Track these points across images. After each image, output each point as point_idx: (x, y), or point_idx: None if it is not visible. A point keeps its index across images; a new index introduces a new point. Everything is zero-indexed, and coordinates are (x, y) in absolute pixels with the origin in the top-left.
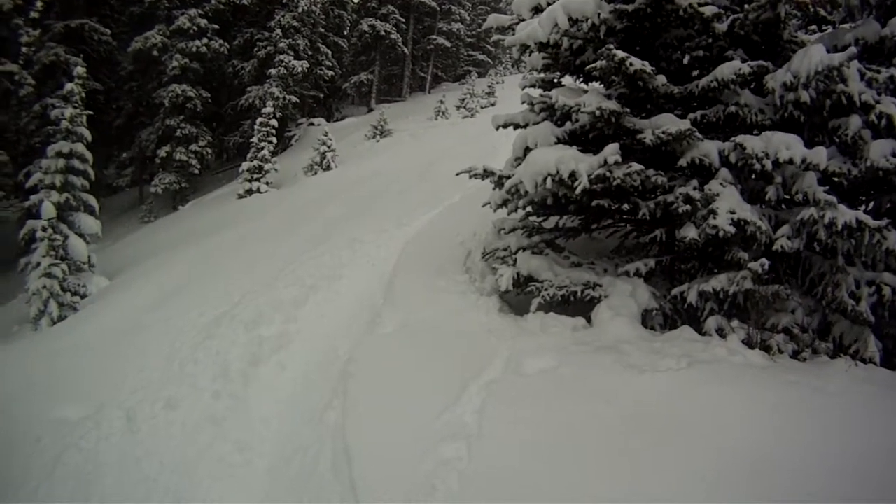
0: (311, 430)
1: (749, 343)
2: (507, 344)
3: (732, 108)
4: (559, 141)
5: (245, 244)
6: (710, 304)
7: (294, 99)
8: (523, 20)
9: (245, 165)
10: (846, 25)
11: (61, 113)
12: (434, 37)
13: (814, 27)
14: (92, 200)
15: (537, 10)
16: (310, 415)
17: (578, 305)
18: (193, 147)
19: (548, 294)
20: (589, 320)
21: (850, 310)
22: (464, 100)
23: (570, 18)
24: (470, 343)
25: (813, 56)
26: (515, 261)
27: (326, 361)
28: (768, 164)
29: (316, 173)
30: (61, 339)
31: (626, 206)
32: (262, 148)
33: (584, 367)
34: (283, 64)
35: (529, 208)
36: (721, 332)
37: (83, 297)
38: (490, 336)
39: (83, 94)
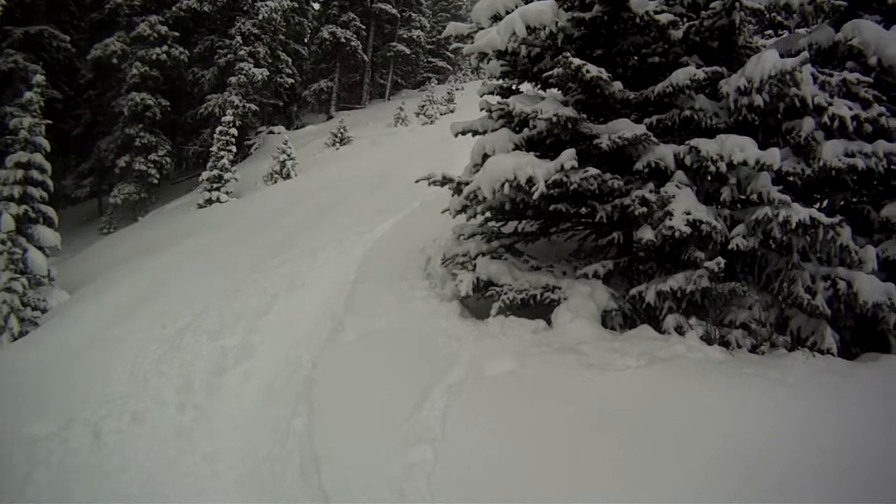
0: (277, 439)
1: (708, 339)
2: (469, 348)
3: (687, 113)
4: (517, 147)
5: (206, 255)
6: (669, 302)
7: (254, 107)
8: (482, 28)
9: (205, 175)
10: (801, 30)
11: (20, 122)
12: (394, 44)
13: (770, 32)
14: (51, 212)
15: (496, 18)
16: (276, 423)
17: (538, 308)
18: (153, 157)
19: (508, 298)
20: (549, 322)
21: (807, 304)
22: (423, 106)
23: (528, 27)
24: (432, 348)
25: (766, 61)
26: (475, 266)
27: (291, 370)
28: (723, 166)
29: (276, 182)
30: (24, 355)
31: (583, 210)
32: (222, 157)
33: (545, 368)
34: (244, 72)
35: (488, 214)
36: (680, 330)
37: (43, 311)
38: (451, 341)
39: (42, 103)
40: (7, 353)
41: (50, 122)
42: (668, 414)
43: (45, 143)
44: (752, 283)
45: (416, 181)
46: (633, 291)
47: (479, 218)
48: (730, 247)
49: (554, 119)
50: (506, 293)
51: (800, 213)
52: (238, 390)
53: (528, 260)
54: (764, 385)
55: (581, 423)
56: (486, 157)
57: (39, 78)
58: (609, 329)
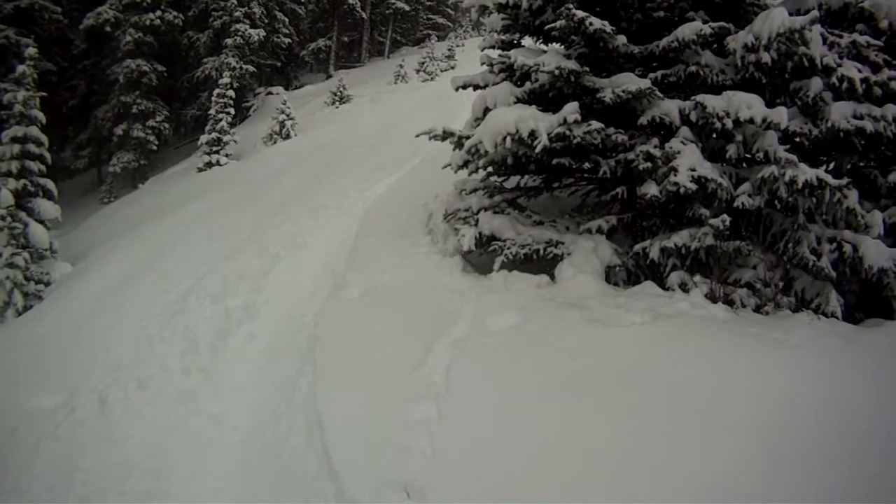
0: (282, 399)
1: (712, 297)
2: (472, 303)
3: (693, 69)
4: (518, 101)
5: (207, 218)
6: (673, 259)
7: (251, 69)
8: None
9: (203, 138)
10: None
11: (14, 97)
12: (393, 1)
13: None
14: (50, 185)
15: None
16: (281, 383)
17: (541, 263)
18: (150, 123)
19: (511, 252)
20: (552, 277)
21: (812, 265)
22: (423, 63)
23: None
24: (435, 304)
25: (775, 18)
26: (477, 221)
27: (294, 329)
28: (729, 123)
29: (276, 143)
30: (28, 329)
31: (586, 165)
32: (220, 120)
33: (549, 322)
34: (240, 33)
35: (490, 168)
36: (684, 287)
37: (47, 284)
38: (454, 295)
39: (35, 76)
40: (12, 329)
41: (45, 94)
42: (673, 371)
43: (41, 116)
44: (757, 242)
45: (417, 136)
46: (637, 247)
47: (481, 173)
48: (735, 205)
49: (556, 72)
50: (509, 248)
51: (806, 173)
52: (242, 351)
53: (530, 215)
54: (768, 344)
55: (585, 379)
56: (487, 110)
57: (32, 51)
58: (612, 285)
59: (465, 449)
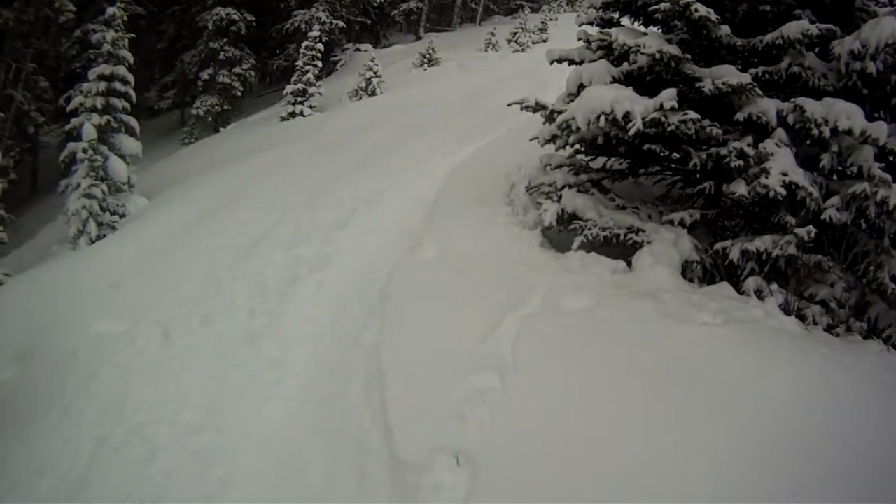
0: (345, 351)
1: (786, 309)
2: (547, 279)
3: (795, 69)
4: (615, 81)
5: (286, 166)
6: (752, 264)
7: (341, 24)
8: None
9: (289, 89)
10: None
11: (103, 37)
12: None
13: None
14: (133, 122)
15: None
16: (345, 336)
17: (619, 248)
18: (237, 70)
19: (591, 233)
20: (629, 264)
21: (890, 293)
22: (515, 34)
23: None
24: (509, 275)
25: (885, 27)
26: (560, 197)
27: (364, 284)
28: (826, 131)
29: (361, 99)
30: (100, 256)
31: (676, 155)
32: (307, 72)
33: (621, 310)
34: None
35: (578, 146)
36: (759, 294)
37: (122, 216)
38: (530, 270)
39: (125, 18)
40: (83, 255)
41: (133, 35)
42: (740, 378)
43: (129, 56)
44: (838, 260)
45: (509, 105)
46: (718, 246)
47: (569, 149)
48: (822, 217)
49: (657, 55)
50: (589, 228)
51: None
52: (310, 300)
53: (614, 198)
54: (837, 368)
55: (654, 372)
56: (581, 87)
57: None
58: (688, 281)
59: (522, 425)
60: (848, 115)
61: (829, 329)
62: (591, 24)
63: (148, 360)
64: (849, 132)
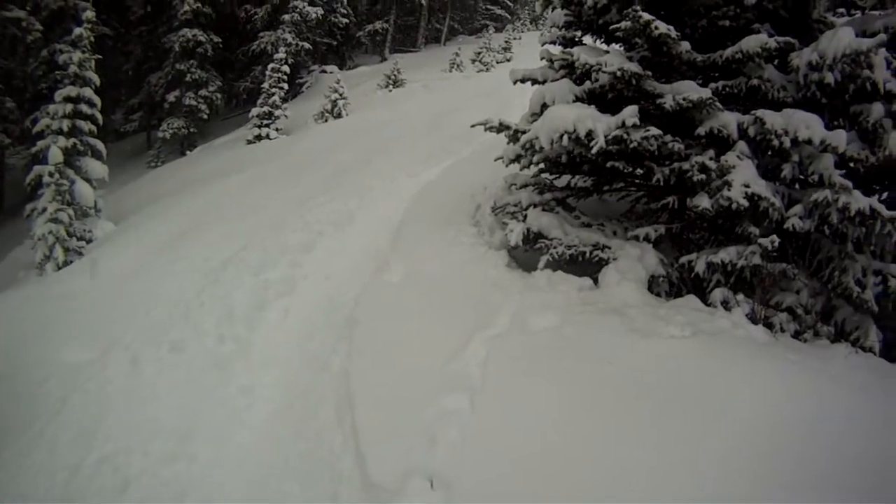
0: (314, 376)
1: (753, 318)
2: (514, 299)
3: (755, 82)
4: (577, 99)
5: (253, 189)
6: (717, 275)
7: (307, 46)
8: None
9: (255, 111)
10: (876, 12)
11: (69, 58)
12: None
13: (842, 10)
14: (99, 145)
15: None
16: (314, 359)
17: (585, 266)
18: (203, 92)
19: (557, 252)
20: (595, 281)
21: (855, 296)
22: (479, 53)
23: None
24: (476, 296)
25: (841, 38)
26: (526, 217)
27: (332, 307)
28: (787, 142)
29: (326, 121)
30: (67, 283)
31: (639, 171)
32: (273, 94)
33: (589, 327)
34: (297, 10)
35: (542, 165)
36: (726, 305)
37: (89, 241)
38: (496, 290)
39: (92, 39)
40: (50, 282)
41: (100, 56)
42: (709, 387)
43: (95, 78)
44: (803, 267)
45: (473, 126)
46: (683, 260)
47: (533, 168)
48: (785, 226)
49: (618, 73)
50: (555, 247)
51: (860, 201)
52: (278, 324)
53: (579, 216)
54: (805, 373)
55: (621, 387)
56: (545, 106)
57: (89, 14)
58: (655, 295)
59: (494, 445)
60: (807, 125)
61: (796, 335)
62: (553, 43)
63: (118, 388)
64: (808, 142)
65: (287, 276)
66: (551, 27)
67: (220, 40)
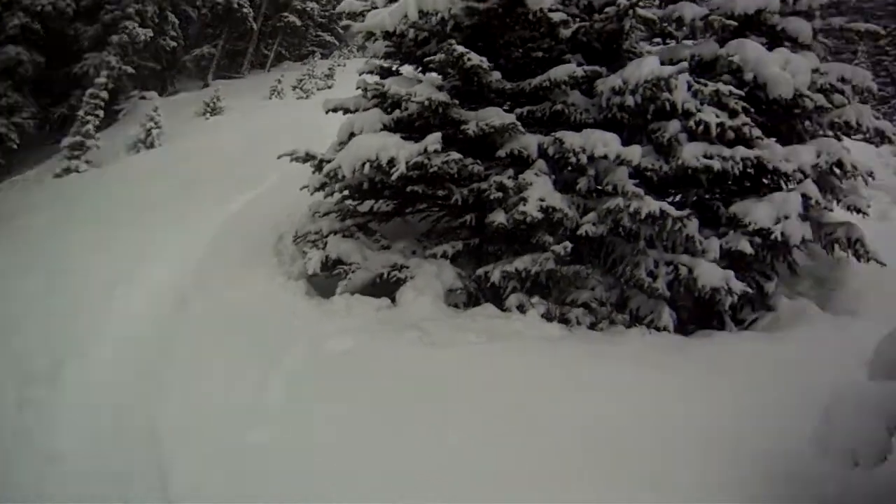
0: (122, 425)
1: (548, 317)
2: (312, 326)
3: (559, 107)
4: (385, 128)
5: (56, 230)
6: (513, 282)
7: (129, 69)
8: (376, 7)
9: (66, 141)
10: (688, 42)
11: None
12: (286, 14)
13: (658, 40)
14: None
15: None
16: (121, 410)
17: (385, 287)
18: (16, 118)
19: (355, 276)
20: (394, 301)
21: (647, 286)
22: (301, 80)
23: (420, 11)
24: (276, 326)
25: (645, 66)
26: (325, 244)
27: (134, 350)
28: (584, 158)
29: (139, 151)
30: None
31: (440, 192)
32: (87, 122)
33: (385, 345)
34: (127, 31)
35: (346, 192)
36: (522, 309)
37: None
38: (295, 318)
39: None
40: None
41: None
42: (494, 382)
43: None
44: (598, 266)
45: (279, 157)
46: (480, 271)
47: (337, 196)
48: (579, 232)
49: (426, 103)
50: (353, 271)
51: (650, 205)
52: (79, 380)
53: (379, 239)
54: (597, 357)
55: (418, 398)
56: (352, 135)
57: None
58: (453, 307)
59: (299, 471)
60: (604, 143)
61: (592, 326)
62: (372, 72)
63: None
64: (605, 157)
65: (88, 320)
66: (372, 57)
67: (43, 59)
